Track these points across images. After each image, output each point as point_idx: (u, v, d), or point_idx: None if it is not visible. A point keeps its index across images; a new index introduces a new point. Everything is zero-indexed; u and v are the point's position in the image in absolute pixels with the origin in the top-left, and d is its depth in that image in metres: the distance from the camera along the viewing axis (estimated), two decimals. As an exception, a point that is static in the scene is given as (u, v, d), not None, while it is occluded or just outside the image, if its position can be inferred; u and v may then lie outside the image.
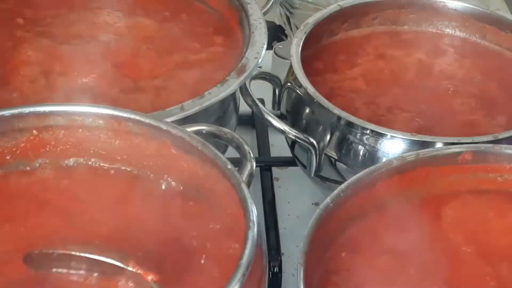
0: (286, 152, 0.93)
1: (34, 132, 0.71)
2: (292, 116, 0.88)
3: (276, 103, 0.93)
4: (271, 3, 0.99)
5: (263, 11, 0.95)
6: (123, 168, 0.73)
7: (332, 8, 0.97)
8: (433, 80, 0.94)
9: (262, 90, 0.95)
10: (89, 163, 0.73)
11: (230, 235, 0.66)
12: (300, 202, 0.96)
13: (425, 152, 0.73)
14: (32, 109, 0.71)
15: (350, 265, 0.66)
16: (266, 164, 0.96)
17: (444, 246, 0.69)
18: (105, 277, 0.62)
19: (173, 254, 0.64)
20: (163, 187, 0.71)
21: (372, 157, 0.80)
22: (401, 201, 0.72)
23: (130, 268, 0.58)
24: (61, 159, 0.73)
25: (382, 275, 0.65)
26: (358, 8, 0.99)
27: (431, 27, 1.01)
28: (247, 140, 1.00)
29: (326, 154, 0.83)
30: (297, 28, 0.95)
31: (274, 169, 0.97)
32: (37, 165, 0.72)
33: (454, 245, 0.69)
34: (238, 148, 0.72)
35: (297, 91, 0.86)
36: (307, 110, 0.85)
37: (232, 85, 0.81)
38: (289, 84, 0.88)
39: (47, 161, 0.72)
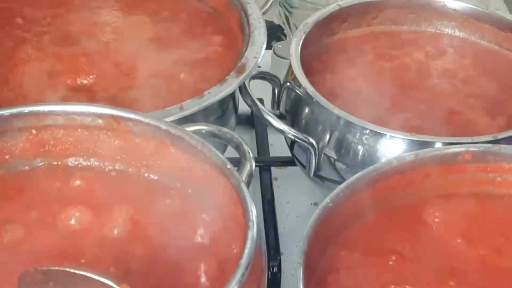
0: (285, 152, 0.93)
1: (33, 131, 0.71)
2: (291, 116, 0.88)
3: (276, 102, 0.93)
4: (270, 2, 0.99)
5: (262, 11, 0.95)
6: (122, 167, 0.73)
7: (332, 7, 0.97)
8: (433, 80, 0.94)
9: (262, 90, 0.95)
10: (88, 163, 0.73)
11: (229, 235, 0.66)
12: (299, 202, 0.96)
13: (424, 152, 0.73)
14: (31, 108, 0.71)
15: (350, 264, 0.66)
16: (265, 164, 0.96)
17: (443, 245, 0.69)
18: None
19: (168, 262, 0.64)
20: (163, 187, 0.71)
21: (371, 157, 0.80)
22: (400, 201, 0.72)
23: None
24: (60, 158, 0.73)
25: (382, 274, 0.65)
26: (357, 7, 0.99)
27: (431, 27, 1.01)
28: (246, 140, 1.00)
29: (325, 154, 0.83)
30: (297, 28, 0.95)
31: (273, 169, 0.97)
32: (36, 164, 0.72)
33: (454, 244, 0.69)
34: (238, 147, 0.72)
35: (297, 90, 0.86)
36: (307, 110, 0.85)
37: (231, 85, 0.81)
38: (288, 83, 0.88)
39: (46, 161, 0.72)
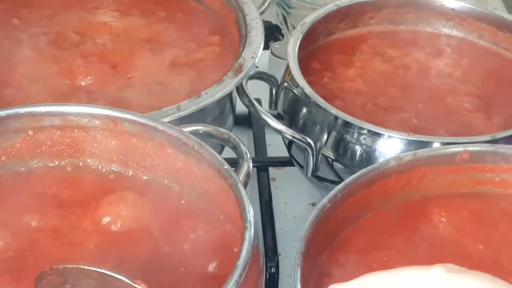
0: (283, 152, 0.93)
1: (30, 132, 0.71)
2: (289, 116, 0.88)
3: (273, 103, 0.92)
4: (267, 2, 0.99)
5: (259, 11, 0.95)
6: (119, 168, 0.72)
7: (329, 7, 0.97)
8: (431, 80, 0.94)
9: (259, 90, 0.95)
10: (85, 164, 0.72)
11: (227, 236, 0.66)
12: (297, 202, 0.96)
13: (422, 152, 0.73)
14: (27, 109, 0.70)
15: (348, 265, 0.65)
16: (263, 164, 0.96)
17: (441, 246, 0.68)
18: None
19: (168, 262, 0.64)
20: (161, 188, 0.71)
21: (369, 157, 0.80)
22: (399, 201, 0.72)
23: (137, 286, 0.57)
24: (57, 159, 0.72)
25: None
26: (355, 7, 0.99)
27: (429, 26, 1.01)
28: (244, 140, 1.00)
29: (323, 154, 0.83)
30: (294, 28, 0.94)
31: (271, 169, 0.97)
32: (33, 165, 0.72)
33: (452, 245, 0.68)
34: (235, 148, 0.72)
35: (294, 91, 0.86)
36: (304, 110, 0.85)
37: (228, 85, 0.80)
38: (286, 84, 0.88)
39: (43, 162, 0.72)
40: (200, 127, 0.73)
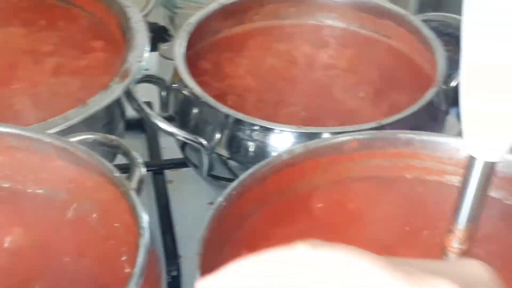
0: (179, 154, 0.93)
1: None
2: (180, 118, 0.87)
3: (164, 105, 0.91)
4: (151, 5, 0.98)
5: (143, 14, 0.94)
6: (8, 184, 0.70)
7: (213, 5, 0.97)
8: (317, 72, 0.95)
9: (151, 93, 0.94)
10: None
11: (123, 245, 0.65)
12: (195, 203, 0.95)
13: (312, 143, 0.74)
14: None
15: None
16: (159, 168, 0.95)
17: (338, 233, 0.70)
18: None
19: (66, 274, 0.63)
20: (52, 201, 0.70)
21: (262, 152, 0.80)
22: (293, 193, 0.73)
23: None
24: None
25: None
26: (238, 4, 0.99)
27: (312, 19, 1.02)
28: (138, 145, 0.99)
29: (217, 153, 0.83)
30: (181, 28, 0.94)
31: (167, 172, 0.96)
32: None
33: (351, 233, 0.70)
34: (126, 154, 0.71)
35: (183, 92, 0.85)
36: (195, 111, 0.84)
37: (115, 91, 0.79)
38: (175, 85, 0.88)
39: None
40: (88, 136, 0.72)
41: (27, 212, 0.69)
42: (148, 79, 0.91)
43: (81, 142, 0.70)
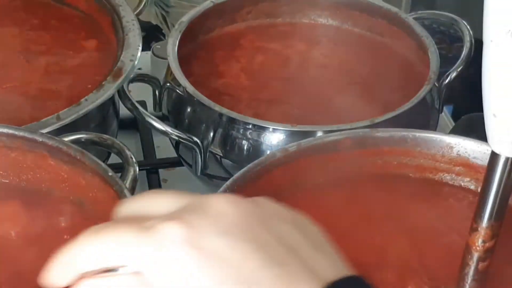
0: (173, 153, 0.93)
1: None
2: (174, 117, 0.87)
3: (157, 104, 0.92)
4: (143, 3, 0.98)
5: (135, 12, 0.94)
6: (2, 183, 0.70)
7: (206, 4, 0.97)
8: (310, 70, 0.95)
9: (145, 92, 0.94)
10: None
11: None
12: (190, 201, 0.96)
13: (306, 142, 0.74)
14: None
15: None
16: (153, 167, 0.95)
17: (333, 233, 0.70)
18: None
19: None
20: (46, 200, 0.69)
21: (256, 151, 0.80)
22: (287, 192, 0.73)
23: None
24: None
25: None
26: (231, 3, 0.99)
27: (305, 17, 1.02)
28: (132, 144, 0.99)
29: (211, 152, 0.83)
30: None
31: (161, 171, 0.96)
32: None
33: (343, 231, 0.70)
34: (120, 153, 0.71)
35: (177, 90, 0.85)
36: (189, 109, 0.84)
37: (108, 90, 0.79)
38: (168, 84, 0.88)
39: None
40: (82, 135, 0.72)
41: (21, 212, 0.68)
42: (141, 78, 0.91)
43: (74, 141, 0.70)
